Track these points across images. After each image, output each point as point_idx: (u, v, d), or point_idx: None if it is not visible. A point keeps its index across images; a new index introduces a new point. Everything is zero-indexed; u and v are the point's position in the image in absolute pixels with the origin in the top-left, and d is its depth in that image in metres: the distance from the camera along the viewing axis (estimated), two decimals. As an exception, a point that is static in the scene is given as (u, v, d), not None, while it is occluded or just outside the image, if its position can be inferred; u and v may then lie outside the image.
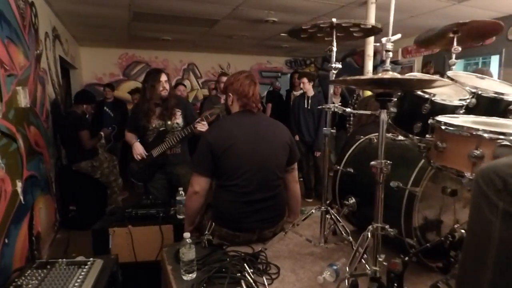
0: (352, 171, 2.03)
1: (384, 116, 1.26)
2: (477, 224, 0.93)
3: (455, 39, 2.14)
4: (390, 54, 1.20)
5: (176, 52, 7.91)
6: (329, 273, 1.56)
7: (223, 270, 1.54)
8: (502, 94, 1.66)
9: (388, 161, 1.33)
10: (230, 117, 2.08)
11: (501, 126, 1.31)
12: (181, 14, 4.75)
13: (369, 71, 4.17)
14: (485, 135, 1.17)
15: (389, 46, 1.18)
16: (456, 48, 2.16)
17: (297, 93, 5.32)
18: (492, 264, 0.87)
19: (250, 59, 8.31)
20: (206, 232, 1.87)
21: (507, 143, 1.12)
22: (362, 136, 2.19)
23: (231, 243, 1.88)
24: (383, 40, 1.21)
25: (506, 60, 4.68)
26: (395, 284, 1.36)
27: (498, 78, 4.80)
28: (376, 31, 1.80)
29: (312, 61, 8.37)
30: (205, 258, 1.68)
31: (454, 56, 2.19)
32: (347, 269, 1.41)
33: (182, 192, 2.47)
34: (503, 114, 1.69)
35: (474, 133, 1.20)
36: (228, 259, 1.64)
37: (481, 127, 1.20)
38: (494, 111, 1.68)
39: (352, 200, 1.99)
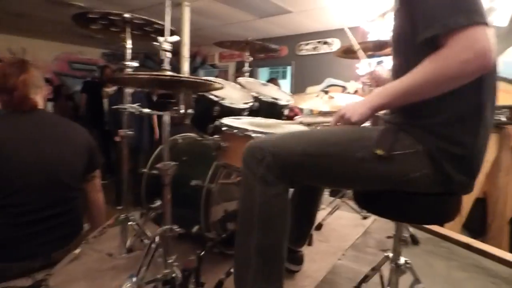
0: (158, 173, 2.00)
1: (167, 118, 1.26)
2: (245, 192, 1.04)
3: (246, 50, 2.46)
4: (168, 54, 1.21)
5: None
6: (129, 285, 1.46)
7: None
8: (277, 99, 2.01)
9: (174, 162, 1.34)
10: (-3, 119, 1.63)
11: (269, 127, 1.57)
12: None
13: (185, 72, 4.27)
14: (253, 134, 1.36)
15: (167, 46, 1.18)
16: (248, 57, 2.49)
17: (109, 89, 4.75)
18: (257, 227, 1.00)
19: (56, 47, 6.97)
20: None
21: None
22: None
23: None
24: (160, 39, 1.21)
25: (295, 70, 5.83)
26: (193, 280, 1.41)
27: (291, 85, 5.93)
28: (173, 32, 1.81)
29: (133, 57, 7.84)
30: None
31: (247, 64, 2.51)
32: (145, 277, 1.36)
33: None
34: (278, 115, 2.06)
35: (245, 133, 1.37)
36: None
37: (251, 128, 1.39)
38: (272, 113, 2.01)
39: (159, 203, 1.96)
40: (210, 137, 1.80)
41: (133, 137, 1.87)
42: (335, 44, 5.24)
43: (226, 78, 6.82)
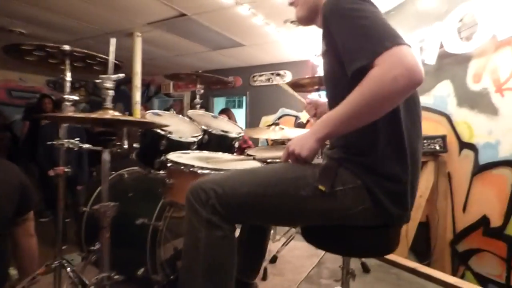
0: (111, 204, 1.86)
1: (106, 155, 1.19)
2: (189, 235, 0.99)
3: (197, 82, 2.46)
4: (110, 92, 1.16)
5: None
6: None
7: None
8: (227, 132, 2.00)
9: (113, 203, 1.25)
10: None
11: (217, 162, 1.54)
12: None
13: (137, 102, 4.16)
14: (199, 171, 1.33)
15: (109, 84, 1.13)
16: (199, 89, 2.49)
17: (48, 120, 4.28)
18: (201, 273, 0.94)
19: (-8, 74, 6.45)
20: None
21: (215, 177, 1.30)
22: (113, 172, 2.06)
23: None
24: (103, 77, 1.15)
25: (250, 100, 5.95)
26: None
27: (246, 114, 6.02)
28: (118, 66, 1.76)
29: (82, 85, 7.46)
30: None
31: (198, 96, 2.50)
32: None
33: None
34: (229, 148, 2.04)
35: (191, 169, 1.34)
36: None
37: (197, 164, 1.35)
38: (222, 146, 2.00)
39: (99, 245, 1.80)
40: (157, 172, 1.74)
41: (72, 171, 1.73)
42: (288, 76, 5.47)
43: (181, 108, 6.76)
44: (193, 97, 6.39)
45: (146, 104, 6.57)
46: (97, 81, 1.17)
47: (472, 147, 2.29)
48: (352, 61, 0.86)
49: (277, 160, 1.79)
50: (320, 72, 4.51)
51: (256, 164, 1.53)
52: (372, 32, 0.85)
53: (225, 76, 6.15)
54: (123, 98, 6.05)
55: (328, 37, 0.98)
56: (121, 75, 1.21)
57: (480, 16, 2.10)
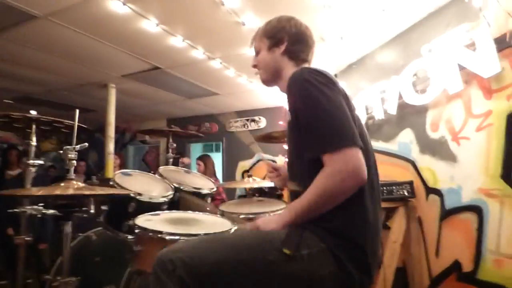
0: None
1: (68, 228, 1.15)
2: None
3: (170, 136, 2.48)
4: (74, 162, 1.15)
5: None
6: None
7: None
8: (199, 188, 2.00)
9: (75, 278, 1.19)
10: None
11: (187, 223, 1.52)
12: None
13: (110, 152, 4.10)
14: (167, 237, 1.30)
15: (72, 155, 1.13)
16: (171, 144, 2.51)
17: (13, 172, 3.92)
18: None
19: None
20: None
21: (184, 244, 1.27)
22: (79, 234, 1.97)
23: None
24: (67, 148, 1.15)
25: (227, 145, 6.01)
26: None
27: (223, 160, 6.03)
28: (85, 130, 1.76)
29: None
30: None
31: (171, 150, 2.52)
32: None
33: None
34: (202, 206, 2.03)
35: (159, 235, 1.30)
36: None
37: (165, 230, 1.33)
38: (195, 204, 1.98)
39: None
40: (126, 236, 1.68)
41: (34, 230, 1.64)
42: (262, 122, 5.62)
43: (157, 154, 6.70)
44: (168, 143, 6.37)
45: (121, 152, 6.46)
46: (61, 152, 1.16)
47: (437, 192, 2.38)
48: (308, 149, 0.98)
49: (246, 216, 1.79)
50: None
51: (225, 223, 1.52)
52: (330, 126, 0.94)
53: (201, 122, 6.23)
54: (97, 146, 5.93)
55: (292, 109, 1.05)
56: (85, 144, 1.21)
57: (431, 71, 2.30)
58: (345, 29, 2.77)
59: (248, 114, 5.76)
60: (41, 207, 1.57)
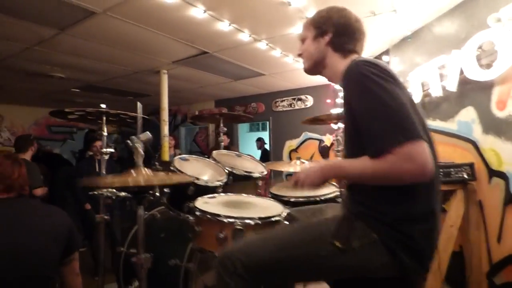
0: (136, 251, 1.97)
1: (141, 211, 1.30)
2: None
3: (221, 121, 2.59)
4: (141, 151, 1.27)
5: None
6: None
7: None
8: (250, 172, 2.09)
9: (149, 255, 1.34)
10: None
11: (242, 206, 1.62)
12: None
13: (165, 135, 4.37)
14: (225, 220, 1.40)
15: (139, 145, 1.25)
16: (222, 128, 2.61)
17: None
18: None
19: (35, 112, 6.99)
20: None
21: (240, 227, 1.38)
22: (146, 212, 2.19)
23: None
24: (133, 138, 1.28)
25: (273, 125, 6.05)
26: None
27: (269, 139, 6.10)
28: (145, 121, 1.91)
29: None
30: None
31: (222, 134, 2.63)
32: None
33: None
34: (253, 187, 2.12)
35: (218, 218, 1.41)
36: None
37: (223, 213, 1.43)
38: (246, 185, 2.08)
39: (136, 284, 1.91)
40: (186, 215, 1.84)
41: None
42: (309, 101, 5.53)
43: (206, 135, 6.97)
44: (218, 125, 6.57)
45: (173, 134, 6.82)
46: (128, 141, 1.29)
47: (502, 175, 2.21)
48: (368, 144, 0.94)
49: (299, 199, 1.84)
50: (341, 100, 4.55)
51: (278, 207, 1.59)
52: (391, 120, 0.90)
53: (248, 102, 6.31)
54: (152, 128, 6.33)
55: (349, 104, 1.03)
56: (147, 133, 1.33)
57: (499, 44, 2.08)
58: (398, 0, 2.59)
59: (294, 93, 5.70)
60: (114, 190, 1.77)
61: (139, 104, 1.33)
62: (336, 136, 4.80)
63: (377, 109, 0.92)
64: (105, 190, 1.74)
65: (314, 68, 1.21)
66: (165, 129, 4.40)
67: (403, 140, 0.87)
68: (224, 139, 3.84)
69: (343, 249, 0.98)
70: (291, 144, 5.75)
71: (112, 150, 1.76)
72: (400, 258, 0.96)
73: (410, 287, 1.06)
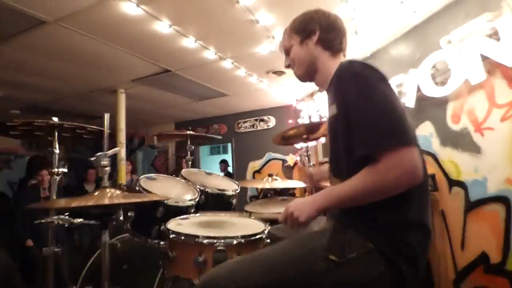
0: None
1: (106, 237, 1.12)
2: None
3: (188, 139, 2.47)
4: (107, 169, 1.12)
5: None
6: None
7: None
8: (224, 190, 1.97)
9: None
10: None
11: (220, 226, 1.49)
12: None
13: (122, 159, 4.08)
14: (204, 241, 1.27)
15: (105, 161, 1.10)
16: (189, 146, 2.49)
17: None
18: None
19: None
20: None
21: (222, 247, 1.25)
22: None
23: None
24: (99, 155, 1.12)
25: (236, 146, 5.98)
26: None
27: (232, 160, 6.00)
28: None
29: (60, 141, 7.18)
30: None
31: (189, 153, 2.50)
32: None
33: None
34: (227, 205, 2.00)
35: (196, 240, 1.28)
36: None
37: (201, 234, 1.30)
38: (220, 204, 1.96)
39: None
40: (155, 242, 1.66)
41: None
42: (272, 121, 5.59)
43: (166, 158, 6.67)
44: (177, 148, 6.34)
45: (130, 158, 6.42)
46: (92, 159, 1.14)
47: (461, 184, 2.34)
48: (360, 145, 0.92)
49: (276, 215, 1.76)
50: (304, 118, 4.64)
51: (259, 224, 1.49)
52: (381, 123, 0.89)
53: (209, 124, 6.20)
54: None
55: (341, 103, 1.00)
56: (117, 148, 1.19)
57: (451, 63, 2.26)
58: (359, 23, 2.73)
59: (257, 114, 5.72)
60: (66, 217, 1.55)
61: (106, 116, 1.19)
62: (299, 155, 4.88)
63: (372, 110, 0.91)
64: (55, 217, 1.50)
65: (307, 72, 1.18)
66: (122, 153, 4.11)
67: (395, 144, 0.86)
68: (183, 163, 3.64)
69: (339, 262, 0.91)
70: (254, 165, 5.70)
71: (65, 170, 1.54)
72: (398, 266, 0.93)
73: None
